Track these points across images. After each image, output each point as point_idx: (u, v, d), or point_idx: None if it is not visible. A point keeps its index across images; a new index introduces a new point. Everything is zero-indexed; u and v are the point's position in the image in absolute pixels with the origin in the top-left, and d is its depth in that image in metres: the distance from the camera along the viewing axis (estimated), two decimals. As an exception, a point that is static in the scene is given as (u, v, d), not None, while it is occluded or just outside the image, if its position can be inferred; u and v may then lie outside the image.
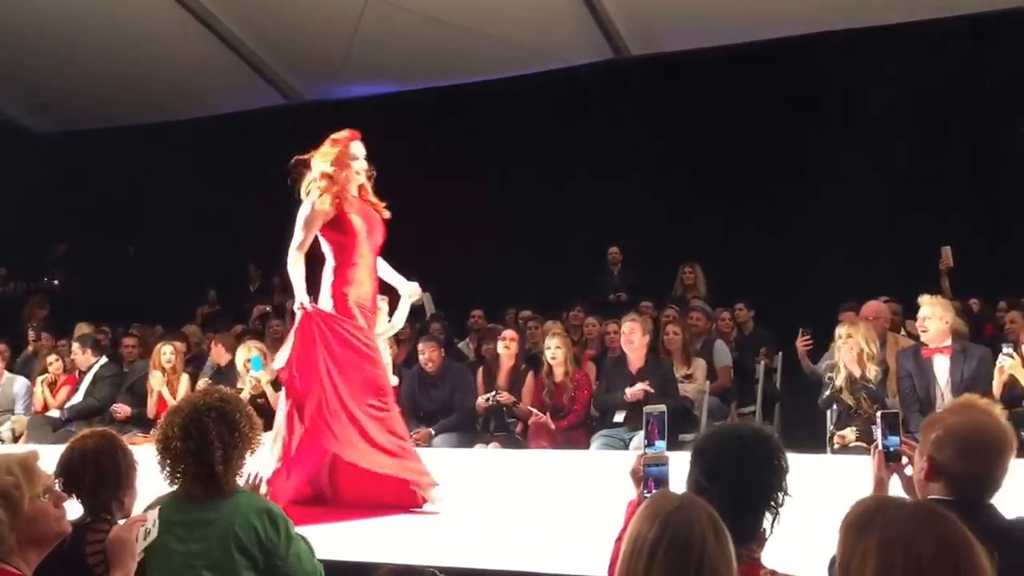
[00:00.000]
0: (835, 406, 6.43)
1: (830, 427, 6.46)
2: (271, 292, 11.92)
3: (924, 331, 6.25)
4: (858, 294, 7.80)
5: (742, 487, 2.44)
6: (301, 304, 4.89)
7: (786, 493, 2.50)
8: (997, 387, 6.00)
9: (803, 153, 10.66)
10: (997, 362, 6.02)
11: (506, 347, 7.51)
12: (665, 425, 2.90)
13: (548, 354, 7.17)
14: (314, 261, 5.11)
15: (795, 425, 7.74)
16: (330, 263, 5.05)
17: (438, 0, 10.71)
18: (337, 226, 4.99)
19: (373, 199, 5.19)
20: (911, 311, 6.83)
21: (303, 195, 4.98)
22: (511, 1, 10.66)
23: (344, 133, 5.07)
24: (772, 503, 2.47)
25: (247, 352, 7.60)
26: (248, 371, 7.50)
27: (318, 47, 11.80)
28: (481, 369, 7.70)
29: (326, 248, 5.06)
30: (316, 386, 4.85)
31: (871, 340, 6.46)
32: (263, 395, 7.39)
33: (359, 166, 5.08)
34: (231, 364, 8.03)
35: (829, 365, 6.53)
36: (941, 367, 6.22)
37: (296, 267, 4.93)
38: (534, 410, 7.12)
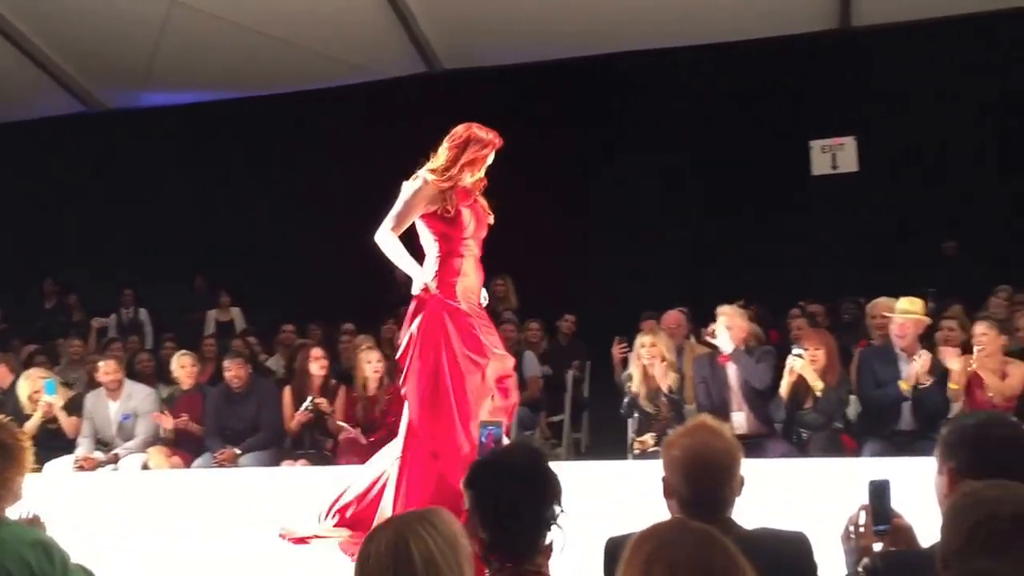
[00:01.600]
0: (636, 413, 6.67)
1: (631, 434, 6.69)
2: (68, 310, 11.34)
3: (717, 338, 6.57)
4: (664, 304, 8.12)
5: (509, 508, 2.49)
6: (425, 285, 4.67)
7: (560, 507, 2.57)
8: (786, 387, 6.35)
9: (599, 166, 11.00)
10: (787, 363, 6.34)
11: (316, 363, 7.39)
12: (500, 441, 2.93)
13: (364, 368, 7.12)
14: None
15: (603, 432, 7.99)
16: (433, 253, 4.78)
17: (249, 9, 10.49)
18: (448, 218, 4.74)
19: (482, 200, 4.95)
20: (705, 319, 7.14)
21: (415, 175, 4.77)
22: (322, 12, 10.54)
23: (491, 136, 4.83)
24: (546, 519, 2.53)
25: (32, 384, 7.21)
26: (35, 401, 7.13)
27: (120, 55, 11.32)
28: (290, 387, 7.55)
29: (428, 237, 4.80)
30: (433, 388, 4.63)
31: (670, 348, 6.75)
32: (55, 420, 7.02)
33: (479, 169, 4.85)
34: (13, 386, 7.59)
35: (628, 375, 6.76)
36: (734, 372, 6.54)
37: (396, 245, 4.69)
38: (344, 424, 7.05)
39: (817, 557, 2.76)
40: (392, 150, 11.28)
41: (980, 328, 6.26)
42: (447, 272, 4.71)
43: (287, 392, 7.45)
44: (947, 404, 6.19)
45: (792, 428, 6.53)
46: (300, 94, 11.79)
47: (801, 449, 6.36)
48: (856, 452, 6.31)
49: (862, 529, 2.77)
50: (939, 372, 6.23)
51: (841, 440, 6.45)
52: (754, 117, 10.74)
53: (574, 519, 2.62)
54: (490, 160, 4.84)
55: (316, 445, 7.25)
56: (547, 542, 2.55)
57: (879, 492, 2.80)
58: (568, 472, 6.13)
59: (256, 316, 10.74)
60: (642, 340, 6.69)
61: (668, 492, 2.72)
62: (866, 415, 6.53)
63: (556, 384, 8.30)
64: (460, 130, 4.79)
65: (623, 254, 10.70)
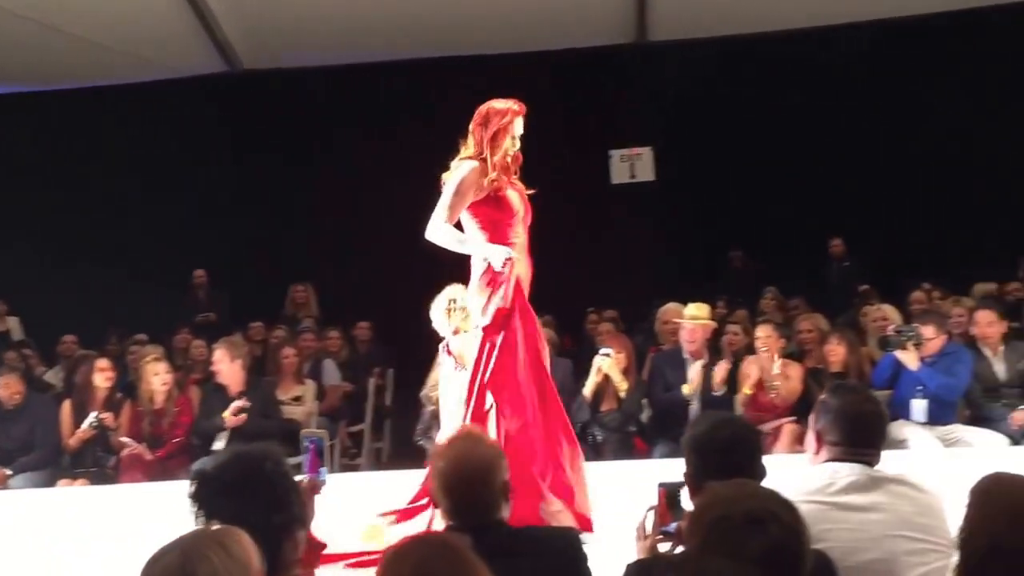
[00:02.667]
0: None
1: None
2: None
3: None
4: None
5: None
6: (508, 259, 4.41)
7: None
8: (591, 388, 6.44)
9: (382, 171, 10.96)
10: (594, 363, 6.44)
11: (102, 374, 6.96)
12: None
13: (151, 381, 6.77)
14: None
15: (406, 441, 7.89)
16: (481, 242, 4.54)
17: (42, 5, 9.85)
18: (493, 202, 4.52)
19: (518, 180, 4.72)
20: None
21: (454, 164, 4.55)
22: (121, 9, 10.03)
23: (510, 104, 4.60)
24: (277, 526, 2.44)
25: None
26: None
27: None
28: (69, 400, 7.07)
29: (473, 226, 4.56)
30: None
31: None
32: None
33: (515, 144, 4.62)
34: None
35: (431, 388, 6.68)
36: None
37: (452, 232, 4.46)
38: (128, 440, 6.68)
39: (604, 558, 2.79)
40: (187, 150, 11.04)
41: (762, 331, 6.56)
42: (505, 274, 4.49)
43: (66, 406, 6.98)
44: (732, 406, 6.46)
45: (588, 431, 6.63)
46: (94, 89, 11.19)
47: (595, 452, 6.48)
48: (647, 454, 6.48)
49: (648, 530, 2.84)
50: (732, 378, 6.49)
51: (634, 442, 6.62)
52: (556, 127, 10.91)
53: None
54: (518, 130, 4.65)
55: (98, 462, 6.83)
56: (297, 547, 2.47)
57: (671, 494, 2.87)
58: (368, 483, 6.06)
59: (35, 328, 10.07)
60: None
61: (435, 501, 2.76)
62: (656, 418, 6.73)
63: (357, 392, 8.17)
64: (480, 109, 4.63)
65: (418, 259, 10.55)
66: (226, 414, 6.45)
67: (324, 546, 3.08)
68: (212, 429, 6.57)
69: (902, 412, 6.07)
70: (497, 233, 4.55)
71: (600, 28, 10.80)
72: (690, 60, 10.72)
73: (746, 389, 6.46)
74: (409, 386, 7.75)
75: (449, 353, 4.92)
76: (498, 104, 4.61)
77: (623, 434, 6.57)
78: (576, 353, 7.23)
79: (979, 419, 6.21)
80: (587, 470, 4.75)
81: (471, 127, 4.59)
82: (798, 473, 2.90)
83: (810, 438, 2.97)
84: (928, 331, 6.12)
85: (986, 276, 9.07)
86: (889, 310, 7.50)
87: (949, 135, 10.27)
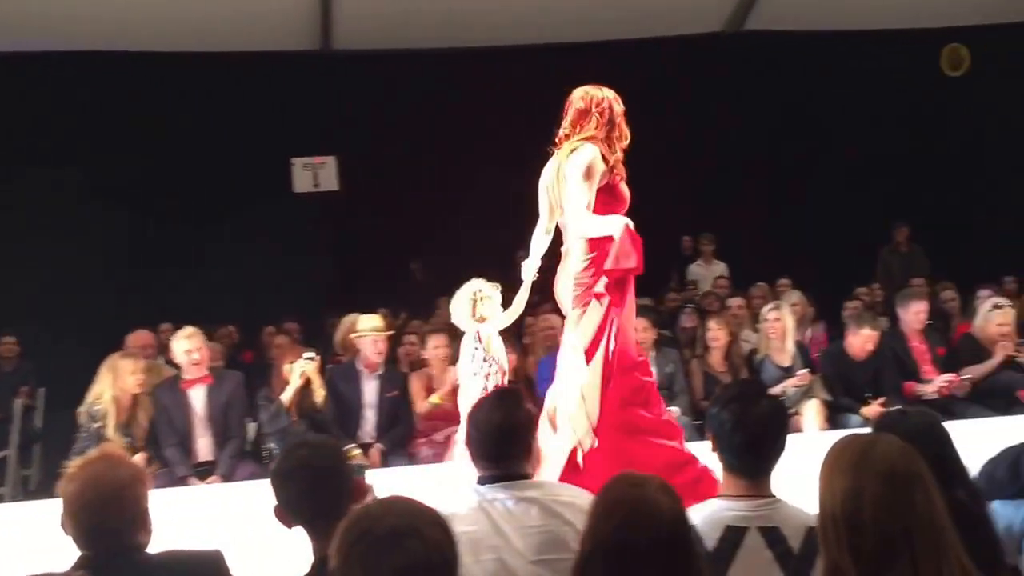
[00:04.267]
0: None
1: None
2: None
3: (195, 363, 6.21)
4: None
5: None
6: (625, 225, 4.18)
7: None
8: (291, 394, 6.23)
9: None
10: (295, 368, 6.26)
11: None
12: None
13: None
14: None
15: (56, 468, 7.20)
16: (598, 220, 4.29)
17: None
18: (608, 190, 4.33)
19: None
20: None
21: (567, 152, 4.33)
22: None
23: (609, 92, 4.43)
24: None
25: None
26: None
27: None
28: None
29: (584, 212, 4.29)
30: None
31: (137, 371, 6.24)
32: None
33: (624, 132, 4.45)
34: None
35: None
36: (198, 397, 6.24)
37: (594, 218, 4.23)
38: None
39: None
40: None
41: (432, 342, 6.61)
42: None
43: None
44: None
45: (263, 444, 6.38)
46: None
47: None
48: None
49: None
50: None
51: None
52: (234, 133, 10.51)
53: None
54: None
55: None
56: None
57: None
58: (12, 514, 5.44)
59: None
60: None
61: (65, 527, 2.62)
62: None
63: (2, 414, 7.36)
64: (591, 94, 4.44)
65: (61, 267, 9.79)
66: None
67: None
68: None
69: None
70: None
71: (285, 34, 10.57)
72: (377, 70, 10.71)
73: (434, 399, 6.45)
74: (63, 407, 7.09)
75: (480, 341, 4.70)
76: (610, 92, 4.49)
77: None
78: (251, 368, 6.92)
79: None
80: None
81: (594, 110, 4.40)
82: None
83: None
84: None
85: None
86: (555, 319, 7.76)
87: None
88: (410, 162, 11.00)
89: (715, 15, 11.60)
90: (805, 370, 6.68)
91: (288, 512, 2.67)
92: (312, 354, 6.34)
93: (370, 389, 6.49)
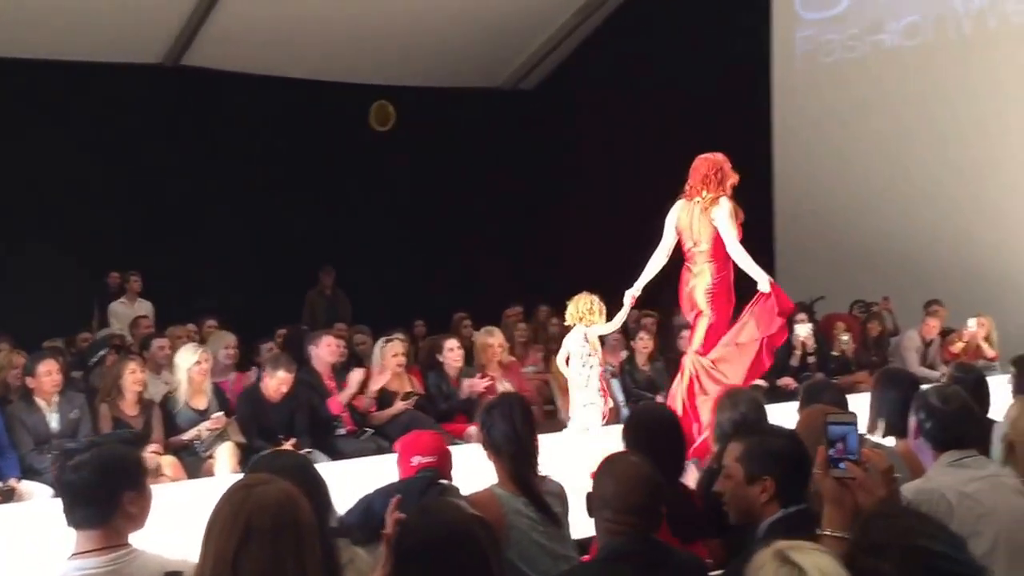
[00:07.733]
0: None
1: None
2: None
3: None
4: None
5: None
6: (771, 281, 5.95)
7: None
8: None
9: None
10: None
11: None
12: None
13: None
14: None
15: None
16: (720, 257, 5.95)
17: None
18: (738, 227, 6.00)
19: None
20: None
21: (714, 202, 5.92)
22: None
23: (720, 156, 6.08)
24: None
25: None
26: None
27: None
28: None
29: (711, 245, 5.97)
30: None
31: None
32: None
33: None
34: None
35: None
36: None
37: (745, 254, 5.91)
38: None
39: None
40: None
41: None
42: (731, 274, 6.06)
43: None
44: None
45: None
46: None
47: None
48: None
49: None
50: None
51: None
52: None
53: None
54: None
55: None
56: None
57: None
58: None
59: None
60: None
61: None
62: None
63: None
64: (713, 159, 6.03)
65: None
66: None
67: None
68: None
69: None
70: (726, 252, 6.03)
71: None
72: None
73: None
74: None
75: (587, 341, 6.27)
76: (721, 156, 6.06)
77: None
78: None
79: (31, 471, 5.94)
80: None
81: (724, 168, 6.00)
82: None
83: None
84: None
85: None
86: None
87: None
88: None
89: (159, 47, 11.44)
90: (220, 413, 6.54)
91: None
92: None
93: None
